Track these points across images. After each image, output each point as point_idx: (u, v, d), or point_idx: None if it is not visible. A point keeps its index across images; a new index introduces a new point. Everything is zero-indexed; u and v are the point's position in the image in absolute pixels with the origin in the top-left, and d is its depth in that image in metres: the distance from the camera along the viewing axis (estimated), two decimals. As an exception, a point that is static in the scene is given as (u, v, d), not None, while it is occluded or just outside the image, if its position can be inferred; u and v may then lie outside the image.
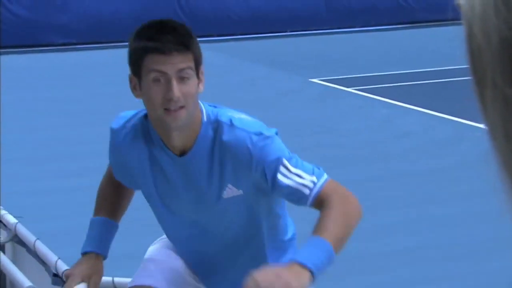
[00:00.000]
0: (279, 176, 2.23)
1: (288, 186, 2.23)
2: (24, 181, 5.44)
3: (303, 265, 2.04)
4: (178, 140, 2.28)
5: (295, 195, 2.24)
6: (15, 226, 3.09)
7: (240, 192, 2.28)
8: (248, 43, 11.81)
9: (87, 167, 5.69)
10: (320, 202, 2.23)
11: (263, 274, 1.97)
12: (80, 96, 8.29)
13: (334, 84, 8.83)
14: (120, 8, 11.74)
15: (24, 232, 3.02)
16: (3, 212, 3.21)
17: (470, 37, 0.64)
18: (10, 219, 3.15)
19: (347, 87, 8.66)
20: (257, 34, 12.32)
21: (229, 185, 2.28)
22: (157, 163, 2.34)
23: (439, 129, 6.78)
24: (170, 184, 2.34)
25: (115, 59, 10.56)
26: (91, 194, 5.24)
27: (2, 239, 3.17)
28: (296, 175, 2.25)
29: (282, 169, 2.25)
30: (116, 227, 2.55)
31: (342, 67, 9.82)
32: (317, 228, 2.17)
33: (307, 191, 2.24)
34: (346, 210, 2.23)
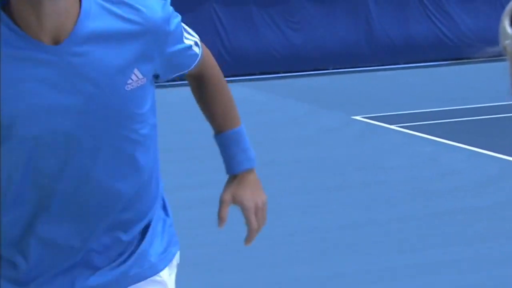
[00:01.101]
0: (185, 40, 1.96)
1: (189, 47, 1.97)
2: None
3: (251, 169, 2.11)
4: (51, 17, 1.70)
5: (189, 55, 1.97)
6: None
7: (144, 80, 1.85)
8: (291, 81, 11.85)
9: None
10: (203, 66, 2.05)
11: (248, 198, 2.07)
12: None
13: (377, 121, 8.79)
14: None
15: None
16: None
17: None
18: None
19: (390, 124, 8.62)
20: (299, 72, 12.35)
21: (135, 71, 1.83)
22: (14, 62, 1.72)
23: (485, 167, 6.70)
24: (37, 95, 1.74)
25: (159, 100, 10.64)
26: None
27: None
28: (189, 34, 2.00)
29: (183, 30, 1.96)
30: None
31: (385, 104, 9.79)
32: (224, 115, 2.10)
33: (197, 49, 2.01)
34: (222, 77, 2.16)
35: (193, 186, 6.28)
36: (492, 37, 13.20)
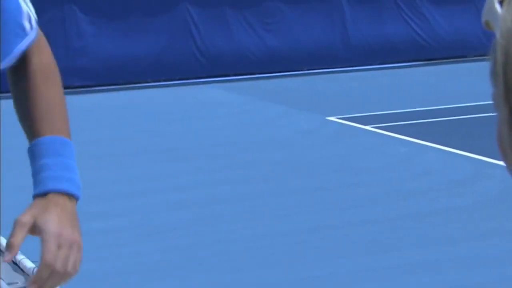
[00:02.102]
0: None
1: (19, 7, 1.49)
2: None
3: (71, 195, 1.50)
4: None
5: (16, 23, 1.49)
6: (33, 271, 3.07)
7: None
8: (265, 82, 11.84)
9: (105, 210, 5.68)
10: (31, 55, 1.55)
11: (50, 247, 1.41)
12: (97, 138, 8.30)
13: (352, 122, 8.80)
14: (138, 50, 11.81)
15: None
16: (21, 257, 3.20)
17: (507, 64, 0.61)
18: (28, 264, 3.13)
19: (365, 125, 8.63)
20: (274, 73, 12.34)
21: None
22: None
23: (460, 167, 6.72)
24: None
25: (133, 101, 10.61)
26: (111, 237, 5.23)
27: (19, 284, 3.15)
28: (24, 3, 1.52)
29: None
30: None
31: (359, 105, 9.81)
32: (44, 116, 1.51)
33: (28, 25, 1.51)
34: (59, 79, 1.59)
35: (170, 188, 6.25)
36: (466, 38, 13.28)
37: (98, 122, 9.15)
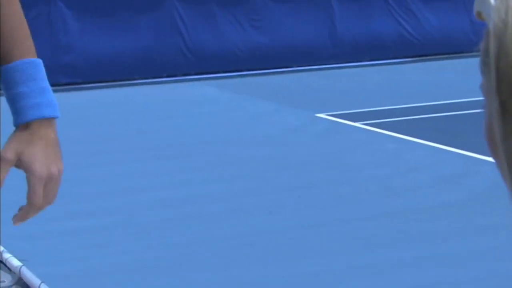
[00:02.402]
0: None
1: None
2: (28, 223, 5.38)
3: (49, 120, 1.48)
4: None
5: None
6: (20, 269, 3.04)
7: None
8: (254, 79, 11.82)
9: (91, 208, 5.65)
10: None
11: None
12: (84, 136, 8.26)
13: (341, 119, 8.80)
14: (125, 47, 11.77)
15: (29, 276, 2.98)
16: (7, 255, 3.17)
17: (500, 55, 0.59)
18: (15, 262, 3.11)
19: (354, 121, 8.62)
20: (262, 70, 12.32)
21: None
22: None
23: (448, 163, 6.72)
24: None
25: (120, 98, 10.57)
26: (97, 236, 5.21)
27: (6, 282, 3.12)
28: None
29: None
30: None
31: (348, 101, 9.80)
32: (10, 38, 1.46)
33: None
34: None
35: (155, 187, 6.22)
36: (454, 35, 13.31)
37: (85, 119, 9.11)
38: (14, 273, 3.08)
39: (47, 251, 4.82)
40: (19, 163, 1.49)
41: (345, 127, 8.46)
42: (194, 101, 10.07)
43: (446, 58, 12.60)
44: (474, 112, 8.25)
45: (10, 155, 1.47)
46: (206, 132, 8.24)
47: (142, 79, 11.69)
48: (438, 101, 9.59)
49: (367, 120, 8.65)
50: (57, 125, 1.52)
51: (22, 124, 1.48)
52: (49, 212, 6.05)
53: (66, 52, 11.54)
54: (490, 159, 0.62)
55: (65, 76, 11.39)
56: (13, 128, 1.51)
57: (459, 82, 10.67)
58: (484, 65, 0.63)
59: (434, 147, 7.31)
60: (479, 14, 0.64)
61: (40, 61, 1.50)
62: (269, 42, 12.59)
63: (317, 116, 8.98)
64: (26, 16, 1.61)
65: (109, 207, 5.68)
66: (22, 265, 3.04)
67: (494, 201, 5.50)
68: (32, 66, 1.48)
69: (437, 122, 8.59)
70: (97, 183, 6.36)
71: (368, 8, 13.19)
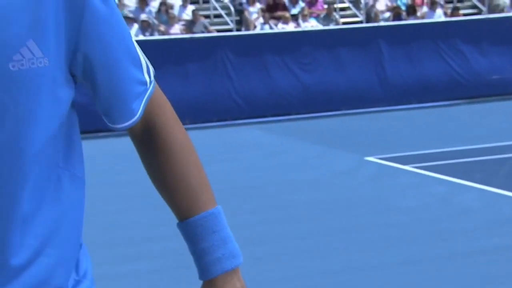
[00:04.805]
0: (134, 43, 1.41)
1: (136, 59, 1.39)
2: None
3: (234, 270, 1.52)
4: None
5: (122, 87, 1.36)
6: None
7: (45, 61, 1.25)
8: (303, 123, 11.83)
9: (143, 251, 5.68)
10: (150, 117, 1.44)
11: None
12: (133, 180, 8.34)
13: (390, 162, 8.75)
14: (176, 92, 11.90)
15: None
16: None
17: None
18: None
19: (404, 164, 8.57)
20: (311, 114, 12.34)
21: (30, 42, 1.24)
22: None
23: (500, 206, 6.63)
24: None
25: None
26: (150, 279, 5.22)
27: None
28: (141, 55, 1.42)
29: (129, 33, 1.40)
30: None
31: (398, 144, 9.75)
32: (190, 193, 1.46)
33: (139, 88, 1.38)
34: (186, 134, 1.51)
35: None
36: (505, 76, 13.19)
37: (136, 164, 9.18)
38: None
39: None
40: None
41: (395, 170, 8.42)
42: (244, 145, 10.12)
43: (497, 100, 12.49)
44: (525, 154, 8.14)
45: None
46: (256, 176, 8.26)
47: (192, 123, 11.78)
48: (489, 143, 9.49)
49: (416, 163, 8.59)
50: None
51: (207, 280, 1.51)
52: (102, 257, 6.13)
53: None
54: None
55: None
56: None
57: (509, 123, 10.56)
58: None
59: (485, 190, 7.22)
60: None
61: (219, 209, 1.52)
62: (318, 86, 12.62)
63: (366, 159, 8.94)
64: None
65: (160, 250, 5.71)
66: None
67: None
68: (212, 218, 1.49)
69: (488, 164, 8.49)
70: (144, 227, 6.40)
71: (418, 50, 13.16)
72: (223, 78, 12.23)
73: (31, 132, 1.26)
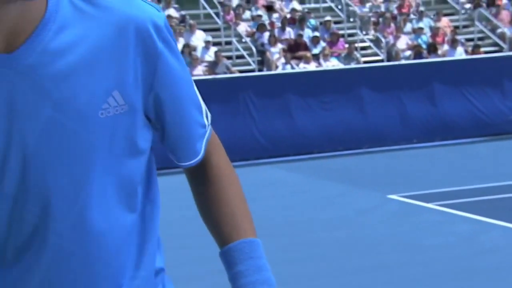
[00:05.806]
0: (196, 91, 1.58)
1: (197, 106, 1.56)
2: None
3: None
4: (6, 17, 1.30)
5: (188, 129, 1.53)
6: None
7: (126, 107, 1.41)
8: (325, 162, 11.83)
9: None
10: (206, 155, 1.59)
11: None
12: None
13: (413, 200, 8.71)
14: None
15: None
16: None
17: None
18: None
19: (427, 202, 8.53)
20: (333, 152, 12.34)
21: (115, 93, 1.39)
22: None
23: (525, 244, 6.57)
24: None
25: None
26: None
27: None
28: (201, 101, 1.59)
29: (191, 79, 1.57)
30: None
31: (420, 182, 9.72)
32: (235, 221, 1.58)
33: (201, 130, 1.56)
34: (237, 179, 1.65)
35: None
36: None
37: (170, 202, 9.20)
38: None
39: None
40: None
41: (418, 208, 8.37)
42: (265, 184, 10.12)
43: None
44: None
45: None
46: (278, 215, 8.25)
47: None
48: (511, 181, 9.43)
49: (440, 201, 8.55)
50: None
51: None
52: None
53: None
54: None
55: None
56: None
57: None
58: None
59: (510, 228, 7.17)
60: None
61: (258, 241, 1.60)
62: (339, 125, 12.63)
63: (388, 198, 8.91)
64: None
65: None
66: None
67: None
68: (250, 245, 1.58)
69: (513, 202, 8.43)
70: (172, 268, 6.40)
71: (439, 88, 13.16)
72: (245, 118, 12.28)
73: (123, 167, 1.45)
